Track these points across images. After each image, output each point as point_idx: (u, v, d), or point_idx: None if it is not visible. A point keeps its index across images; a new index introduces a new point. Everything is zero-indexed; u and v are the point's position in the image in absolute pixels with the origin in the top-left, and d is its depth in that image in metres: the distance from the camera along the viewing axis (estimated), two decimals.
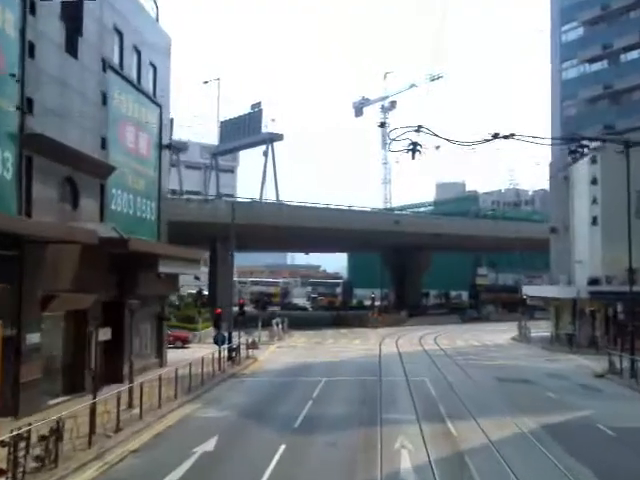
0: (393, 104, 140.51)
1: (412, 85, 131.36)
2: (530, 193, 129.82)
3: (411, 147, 14.60)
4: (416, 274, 79.20)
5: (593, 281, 42.22)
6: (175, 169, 74.92)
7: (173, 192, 63.52)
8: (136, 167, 26.45)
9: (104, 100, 23.13)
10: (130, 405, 19.59)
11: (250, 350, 34.73)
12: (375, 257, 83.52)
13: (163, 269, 25.71)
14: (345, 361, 34.25)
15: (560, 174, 47.43)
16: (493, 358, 36.42)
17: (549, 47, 58.73)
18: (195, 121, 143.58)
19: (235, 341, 33.67)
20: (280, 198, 63.24)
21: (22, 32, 18.20)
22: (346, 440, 16.37)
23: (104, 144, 23.05)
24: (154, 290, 27.75)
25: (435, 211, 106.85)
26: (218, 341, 29.46)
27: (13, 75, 17.75)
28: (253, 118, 66.47)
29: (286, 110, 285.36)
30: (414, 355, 37.01)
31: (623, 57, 54.95)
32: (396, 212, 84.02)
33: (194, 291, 63.25)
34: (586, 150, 31.70)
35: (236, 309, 40.04)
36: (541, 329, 51.18)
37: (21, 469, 12.28)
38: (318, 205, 57.91)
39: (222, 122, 69.99)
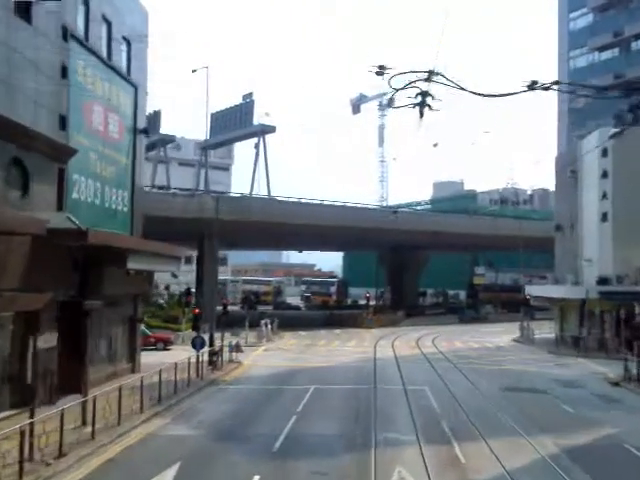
0: (391, 101, 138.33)
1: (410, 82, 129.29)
2: (529, 192, 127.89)
3: (419, 101, 11.93)
4: (413, 273, 76.61)
5: (602, 280, 39.74)
6: (164, 164, 72.23)
7: (160, 188, 60.84)
8: (105, 152, 23.71)
9: (64, 73, 20.39)
10: (84, 422, 16.95)
11: (234, 353, 32.01)
12: (371, 255, 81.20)
13: (133, 265, 22.94)
14: (337, 366, 31.59)
15: (569, 168, 44.83)
16: (496, 362, 33.81)
17: (556, 35, 56.11)
18: (189, 116, 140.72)
19: (218, 343, 31.03)
20: (272, 194, 60.41)
21: None
22: (333, 469, 13.72)
23: (64, 123, 20.29)
24: (124, 289, 24.99)
25: (432, 210, 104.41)
26: (196, 344, 26.76)
27: None
28: (244, 109, 63.66)
29: (282, 104, 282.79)
30: (412, 359, 34.40)
31: (634, 45, 52.39)
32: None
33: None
34: None
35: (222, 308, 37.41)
36: (543, 330, 48.68)
37: None
38: (311, 201, 55.25)
39: (212, 114, 67.18)
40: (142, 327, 37.86)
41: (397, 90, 11.67)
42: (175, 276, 50.96)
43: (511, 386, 25.40)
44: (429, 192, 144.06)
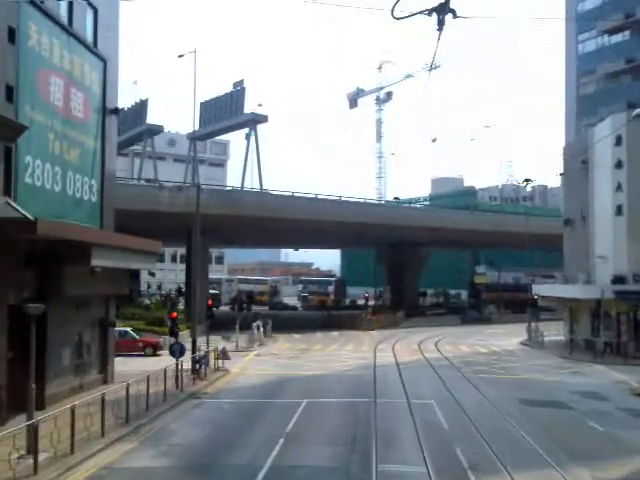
0: (389, 95, 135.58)
1: (408, 75, 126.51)
2: (528, 189, 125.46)
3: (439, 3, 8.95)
4: (413, 272, 73.60)
5: (618, 279, 36.93)
6: (151, 157, 69.23)
7: (148, 181, 57.89)
8: (66, 132, 20.77)
9: (11, 36, 17.45)
10: (29, 450, 14.06)
11: (220, 360, 29.09)
12: (369, 254, 78.47)
13: (99, 262, 20.07)
14: (333, 375, 28.67)
15: (579, 157, 41.97)
16: (507, 370, 30.94)
17: (563, 17, 53.21)
18: (185, 111, 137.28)
19: (203, 348, 28.18)
20: (266, 188, 57.34)
21: None
22: None
23: (10, 94, 17.34)
24: (93, 289, 22.14)
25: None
26: (175, 352, 23.82)
27: None
28: (235, 97, 60.43)
29: (281, 105, 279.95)
30: (414, 366, 31.52)
31: None
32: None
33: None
34: None
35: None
36: (550, 332, 45.83)
37: None
38: (306, 194, 52.34)
39: (202, 103, 63.93)
40: (130, 330, 35.11)
41: None
42: (152, 274, 47.94)
43: (528, 399, 22.51)
44: (427, 188, 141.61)
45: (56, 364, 20.76)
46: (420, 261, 73.67)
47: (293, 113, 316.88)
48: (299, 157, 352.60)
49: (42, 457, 13.80)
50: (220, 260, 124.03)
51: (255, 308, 72.60)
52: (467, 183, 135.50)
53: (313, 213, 50.88)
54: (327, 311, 68.92)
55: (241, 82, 60.13)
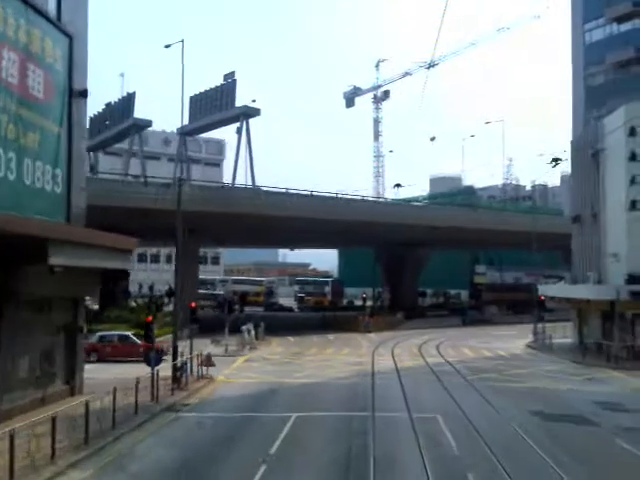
0: (386, 94, 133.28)
1: (406, 73, 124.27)
2: (528, 188, 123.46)
3: None
4: (412, 271, 71.14)
5: (633, 279, 34.55)
6: (139, 154, 66.75)
7: (136, 177, 55.53)
8: (22, 113, 18.35)
9: None
10: None
11: (204, 367, 26.66)
12: (367, 253, 76.06)
13: (59, 260, 17.62)
14: (327, 383, 26.22)
15: (589, 150, 39.61)
16: (518, 377, 28.48)
17: (569, 4, 50.83)
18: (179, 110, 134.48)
19: (184, 354, 25.75)
20: (257, 183, 54.90)
21: None
22: None
23: None
24: (55, 290, 19.75)
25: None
26: (150, 360, 21.39)
27: None
28: (226, 90, 57.86)
29: (278, 104, 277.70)
30: (416, 373, 29.10)
31: None
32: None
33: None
34: None
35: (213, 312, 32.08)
36: (556, 334, 43.45)
37: None
38: (300, 191, 49.87)
39: (192, 97, 61.47)
40: (131, 335, 32.65)
41: None
42: (127, 274, 45.47)
43: (545, 412, 20.08)
44: (425, 187, 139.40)
45: (11, 375, 18.36)
46: (419, 261, 71.27)
47: (290, 111, 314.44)
48: (297, 156, 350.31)
49: None
50: (216, 261, 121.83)
51: (250, 309, 70.31)
52: (466, 183, 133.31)
53: (307, 211, 48.45)
54: (324, 312, 66.57)
55: (232, 74, 57.63)
